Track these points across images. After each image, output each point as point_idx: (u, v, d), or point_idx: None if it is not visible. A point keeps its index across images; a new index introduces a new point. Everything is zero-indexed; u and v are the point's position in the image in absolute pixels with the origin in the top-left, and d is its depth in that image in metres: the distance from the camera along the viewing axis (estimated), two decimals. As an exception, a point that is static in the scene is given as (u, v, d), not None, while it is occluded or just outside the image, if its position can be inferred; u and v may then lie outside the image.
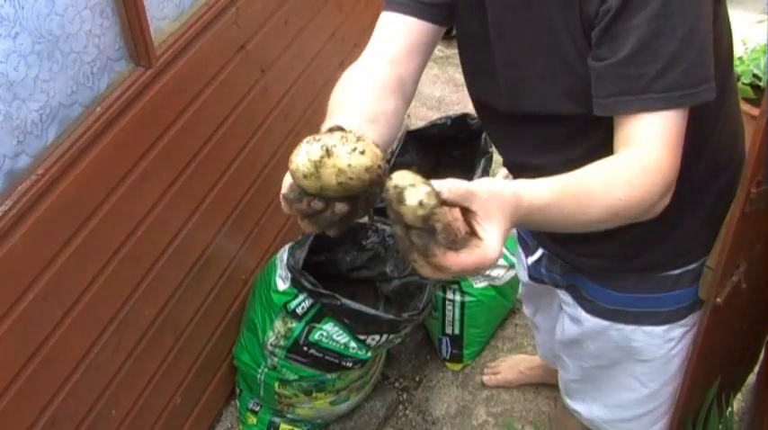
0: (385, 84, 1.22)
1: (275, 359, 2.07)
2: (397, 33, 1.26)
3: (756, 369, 2.06)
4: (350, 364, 2.05)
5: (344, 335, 2.02)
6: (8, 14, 1.35)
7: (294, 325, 2.03)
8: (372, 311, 1.98)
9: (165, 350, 1.94)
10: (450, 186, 0.90)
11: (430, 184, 0.87)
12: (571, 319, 1.58)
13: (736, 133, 1.40)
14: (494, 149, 2.13)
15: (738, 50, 2.87)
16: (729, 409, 1.84)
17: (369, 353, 2.05)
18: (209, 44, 1.87)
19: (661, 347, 1.51)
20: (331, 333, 2.02)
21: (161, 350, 1.93)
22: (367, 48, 1.28)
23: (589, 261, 1.46)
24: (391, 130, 1.19)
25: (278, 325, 2.06)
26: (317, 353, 2.04)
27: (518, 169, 1.37)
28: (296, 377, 2.08)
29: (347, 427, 2.26)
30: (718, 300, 1.40)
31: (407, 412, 2.32)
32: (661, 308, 1.46)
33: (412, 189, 0.86)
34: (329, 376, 2.09)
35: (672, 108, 1.06)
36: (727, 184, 1.35)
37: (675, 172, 1.08)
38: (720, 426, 1.78)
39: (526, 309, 1.95)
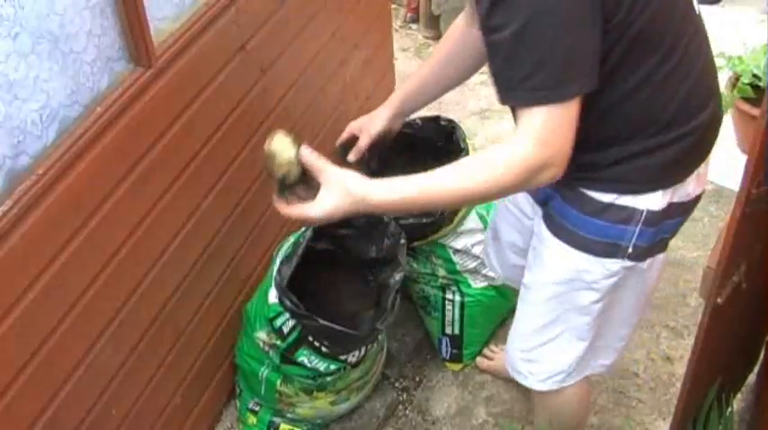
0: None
1: (273, 361, 2.08)
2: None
3: (756, 369, 2.07)
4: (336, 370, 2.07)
5: (322, 361, 2.03)
6: (8, 14, 1.35)
7: (279, 342, 2.03)
8: (351, 332, 1.97)
9: (165, 350, 1.94)
10: (309, 156, 1.42)
11: (295, 152, 1.42)
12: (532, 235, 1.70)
13: (656, 99, 1.44)
14: (468, 147, 2.19)
15: (738, 50, 2.87)
16: (729, 409, 1.85)
17: (352, 367, 2.08)
18: (209, 44, 1.87)
19: (569, 272, 1.59)
20: (311, 358, 2.03)
21: (161, 350, 1.93)
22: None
23: None
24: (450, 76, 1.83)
25: (262, 335, 2.06)
26: (307, 364, 2.05)
27: None
28: (297, 373, 2.09)
29: (347, 427, 2.26)
30: (719, 300, 1.41)
31: (407, 412, 2.32)
32: (581, 230, 1.54)
33: (282, 152, 1.42)
34: (329, 379, 2.09)
35: (536, 104, 1.28)
36: (650, 138, 1.46)
37: (541, 158, 1.30)
38: (720, 426, 1.78)
39: (491, 223, 2.03)
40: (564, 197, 1.55)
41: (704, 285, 1.43)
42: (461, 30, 1.75)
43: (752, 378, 2.11)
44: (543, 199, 1.64)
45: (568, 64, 1.28)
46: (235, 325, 2.22)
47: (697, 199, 1.60)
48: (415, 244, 2.25)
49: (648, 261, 1.57)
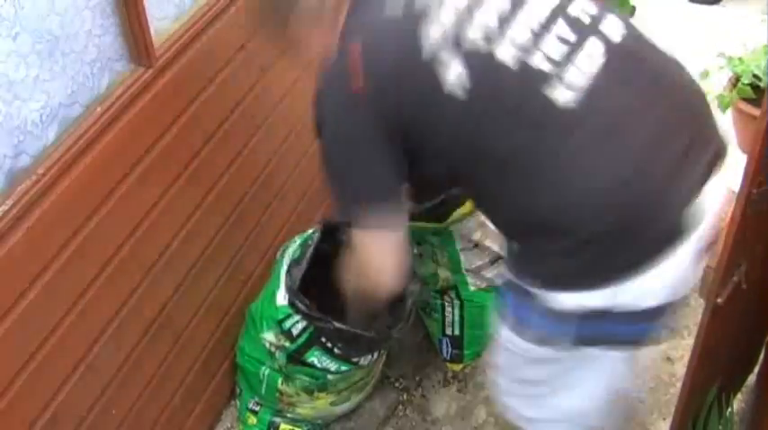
0: None
1: (279, 361, 2.08)
2: None
3: (756, 369, 2.07)
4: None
5: (334, 362, 2.03)
6: (8, 14, 1.35)
7: (288, 344, 2.03)
8: (366, 334, 1.97)
9: (165, 350, 1.94)
10: None
11: None
12: None
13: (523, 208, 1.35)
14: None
15: (738, 50, 2.87)
16: (729, 409, 1.85)
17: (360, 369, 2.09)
18: (209, 44, 1.87)
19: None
20: (321, 359, 2.03)
21: (161, 350, 1.93)
22: None
23: None
24: None
25: (269, 336, 2.06)
26: (317, 365, 2.05)
27: None
28: (304, 373, 2.09)
29: (347, 427, 2.26)
30: (719, 300, 1.40)
31: (407, 412, 2.32)
32: (511, 308, 1.44)
33: None
34: (330, 378, 2.09)
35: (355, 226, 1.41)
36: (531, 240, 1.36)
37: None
38: (720, 426, 1.78)
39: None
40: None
41: (704, 285, 1.43)
42: None
43: (752, 378, 2.11)
44: None
45: (361, 194, 1.40)
46: (235, 325, 2.22)
47: (648, 311, 1.36)
48: (434, 225, 2.22)
49: (580, 353, 1.43)
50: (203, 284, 2.05)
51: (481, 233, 2.23)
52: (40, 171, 1.46)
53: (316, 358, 2.03)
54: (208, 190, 1.98)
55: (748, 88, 2.75)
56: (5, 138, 1.40)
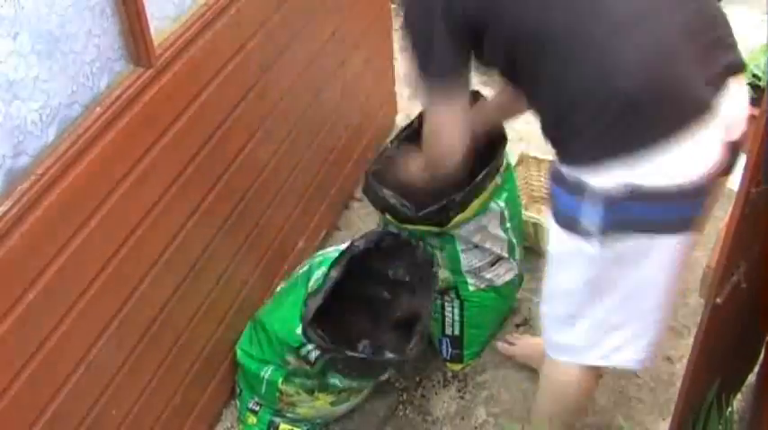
0: None
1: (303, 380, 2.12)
2: None
3: (756, 369, 2.07)
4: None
5: (353, 381, 2.10)
6: (8, 14, 1.35)
7: (308, 368, 2.06)
8: (380, 358, 2.02)
9: (165, 350, 1.95)
10: None
11: None
12: None
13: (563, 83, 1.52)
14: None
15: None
16: (729, 409, 1.85)
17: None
18: (209, 44, 1.87)
19: (554, 244, 1.66)
20: (342, 381, 2.09)
21: (161, 350, 1.93)
22: None
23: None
24: None
25: (291, 358, 2.09)
26: (339, 385, 2.11)
27: None
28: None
29: (347, 427, 2.26)
30: (718, 300, 1.41)
31: (407, 412, 2.32)
32: (553, 199, 1.61)
33: None
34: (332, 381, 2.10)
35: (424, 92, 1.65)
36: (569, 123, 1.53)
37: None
38: (720, 426, 1.78)
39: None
40: (552, 166, 1.63)
41: (704, 285, 1.43)
42: None
43: (752, 378, 2.11)
44: None
45: (429, 51, 1.59)
46: (235, 325, 2.22)
47: (681, 189, 1.47)
48: (435, 229, 2.23)
49: (620, 245, 1.53)
50: (203, 284, 2.05)
51: (481, 236, 2.23)
52: (40, 171, 1.46)
53: (338, 380, 2.08)
54: (208, 190, 1.98)
55: (748, 88, 2.75)
56: (5, 138, 1.40)
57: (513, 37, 1.51)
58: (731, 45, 1.57)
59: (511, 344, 2.40)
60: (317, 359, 2.01)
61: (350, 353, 1.99)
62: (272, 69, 2.17)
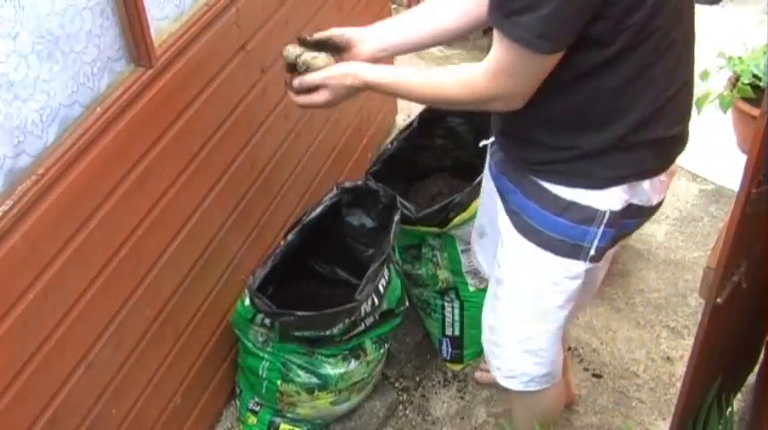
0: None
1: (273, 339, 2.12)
2: None
3: (756, 369, 2.07)
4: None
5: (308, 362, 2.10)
6: (8, 14, 1.35)
7: (271, 333, 2.08)
8: (332, 310, 2.00)
9: (165, 350, 1.94)
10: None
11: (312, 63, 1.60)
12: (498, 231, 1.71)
13: (640, 96, 1.46)
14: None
15: (738, 50, 2.87)
16: (729, 409, 1.85)
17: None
18: (209, 44, 1.87)
19: (524, 266, 1.62)
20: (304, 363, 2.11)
21: (161, 350, 1.93)
22: None
23: (501, 142, 1.63)
24: (438, 30, 1.66)
25: (251, 335, 2.11)
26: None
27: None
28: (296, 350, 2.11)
29: (347, 427, 2.26)
30: (719, 300, 1.41)
31: (407, 412, 2.32)
32: (545, 228, 1.55)
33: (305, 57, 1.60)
34: (333, 374, 2.09)
35: (508, 38, 1.34)
36: (611, 136, 1.47)
37: (492, 91, 1.42)
38: (720, 426, 1.78)
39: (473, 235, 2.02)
40: (526, 193, 1.56)
41: (704, 285, 1.43)
42: None
43: (752, 378, 2.11)
44: (499, 185, 1.66)
45: (556, 20, 1.30)
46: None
47: (657, 206, 1.62)
48: (435, 230, 2.23)
49: (603, 259, 1.62)
50: (203, 284, 2.05)
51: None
52: (40, 171, 1.46)
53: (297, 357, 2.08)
54: (208, 190, 1.98)
55: (748, 88, 2.75)
56: (5, 138, 1.40)
57: (642, 24, 1.36)
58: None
59: (487, 371, 2.38)
60: (272, 324, 2.04)
61: (299, 313, 1.97)
62: (272, 69, 2.16)
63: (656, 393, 2.30)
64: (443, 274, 2.30)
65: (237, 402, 2.28)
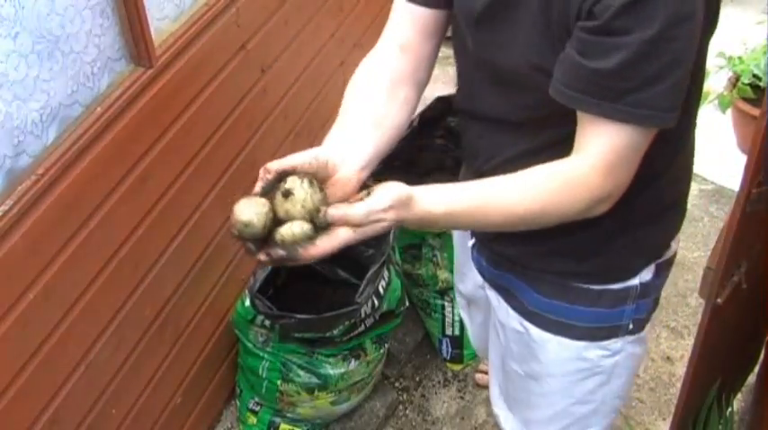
0: (396, 72, 1.35)
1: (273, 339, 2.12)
2: (405, 20, 1.34)
3: (756, 369, 2.07)
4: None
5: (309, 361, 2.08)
6: (8, 14, 1.35)
7: (271, 334, 2.07)
8: (325, 315, 1.98)
9: (165, 350, 1.94)
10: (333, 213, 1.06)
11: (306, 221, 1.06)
12: (499, 322, 1.55)
13: (680, 179, 1.39)
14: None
15: (738, 50, 2.88)
16: (729, 409, 1.85)
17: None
18: (209, 44, 1.87)
19: (572, 363, 1.47)
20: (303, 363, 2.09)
21: (161, 350, 1.93)
22: (381, 35, 1.37)
23: (506, 250, 1.43)
24: (394, 131, 1.29)
25: (251, 335, 2.11)
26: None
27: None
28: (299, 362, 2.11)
29: (347, 427, 2.26)
30: (719, 300, 1.41)
31: (407, 412, 2.32)
32: (577, 322, 1.42)
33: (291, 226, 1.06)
34: (333, 374, 2.09)
35: (631, 123, 1.09)
36: (657, 218, 1.38)
37: (607, 189, 1.14)
38: (720, 426, 1.78)
39: (459, 299, 1.87)
40: (546, 293, 1.41)
41: (704, 285, 1.43)
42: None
43: (752, 378, 2.11)
44: (501, 283, 1.50)
45: (678, 86, 1.09)
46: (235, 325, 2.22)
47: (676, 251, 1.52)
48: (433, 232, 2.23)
49: (647, 327, 1.49)
50: (203, 284, 2.05)
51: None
52: (40, 171, 1.46)
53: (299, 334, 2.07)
54: (208, 190, 1.98)
55: (748, 88, 2.75)
56: (5, 138, 1.40)
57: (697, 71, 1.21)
58: None
59: (486, 372, 2.37)
60: (272, 326, 2.04)
61: (299, 316, 1.96)
62: (272, 69, 2.17)
63: (656, 393, 2.30)
64: (443, 274, 2.30)
65: (237, 402, 2.28)
